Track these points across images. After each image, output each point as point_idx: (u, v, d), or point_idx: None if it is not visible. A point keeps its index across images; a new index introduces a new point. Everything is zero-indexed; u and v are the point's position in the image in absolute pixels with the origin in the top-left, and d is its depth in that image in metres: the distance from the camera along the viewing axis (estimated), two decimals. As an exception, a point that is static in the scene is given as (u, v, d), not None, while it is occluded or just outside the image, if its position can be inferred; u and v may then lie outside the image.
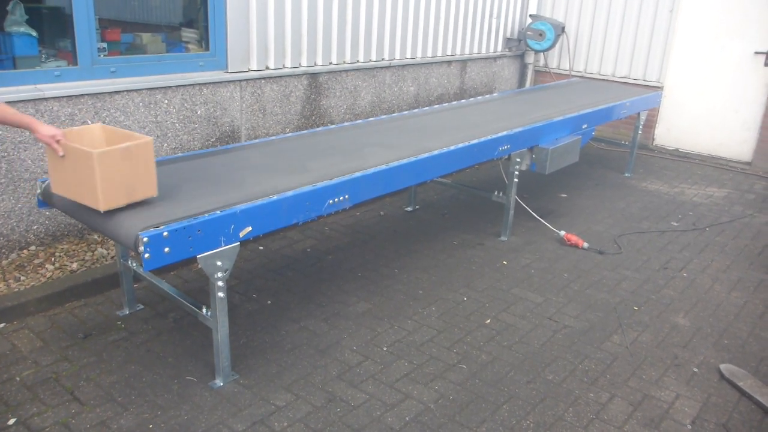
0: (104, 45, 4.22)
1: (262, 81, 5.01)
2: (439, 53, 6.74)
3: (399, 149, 3.80)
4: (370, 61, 5.91)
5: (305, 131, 4.27)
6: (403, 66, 6.31)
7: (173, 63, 4.47)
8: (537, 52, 7.82)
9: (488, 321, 3.64)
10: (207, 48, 4.71)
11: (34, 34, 3.95)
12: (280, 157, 3.58)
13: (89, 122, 4.03)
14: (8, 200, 3.78)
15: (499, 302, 3.85)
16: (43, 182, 3.02)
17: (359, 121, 4.62)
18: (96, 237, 4.20)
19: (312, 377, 3.05)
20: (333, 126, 4.40)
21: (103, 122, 4.09)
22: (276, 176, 3.24)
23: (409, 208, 5.42)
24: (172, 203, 2.80)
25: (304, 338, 3.37)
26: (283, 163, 3.48)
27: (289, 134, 4.14)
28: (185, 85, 4.49)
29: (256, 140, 3.99)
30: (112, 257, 3.98)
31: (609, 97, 6.04)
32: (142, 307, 3.61)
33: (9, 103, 3.65)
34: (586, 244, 4.69)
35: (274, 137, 4.06)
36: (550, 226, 5.06)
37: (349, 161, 3.50)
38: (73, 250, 3.99)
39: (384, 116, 4.85)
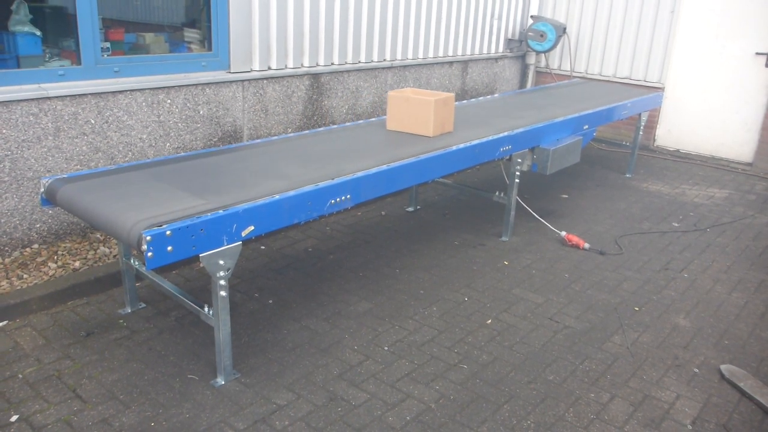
0: (108, 45, 4.24)
1: (265, 81, 5.02)
2: (441, 54, 6.75)
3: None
4: (372, 61, 5.93)
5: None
6: (405, 66, 6.32)
7: (176, 63, 4.48)
8: (538, 53, 7.83)
9: (489, 321, 3.65)
10: (209, 48, 4.73)
11: (38, 33, 3.97)
12: (492, 111, 5.15)
13: (92, 120, 4.04)
14: (11, 198, 3.80)
15: (500, 302, 3.86)
16: (47, 180, 3.04)
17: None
18: (99, 236, 4.21)
19: (313, 376, 3.06)
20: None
21: (106, 122, 4.11)
22: (499, 120, 4.81)
23: (411, 209, 5.43)
24: (462, 133, 4.28)
25: (306, 337, 3.39)
26: (496, 113, 5.05)
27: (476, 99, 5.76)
28: (188, 85, 4.50)
29: (483, 98, 5.73)
30: (115, 256, 3.99)
31: (610, 98, 6.05)
32: (144, 305, 3.63)
33: (13, 102, 3.67)
34: (587, 245, 4.70)
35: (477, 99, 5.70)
36: (551, 227, 5.06)
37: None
38: (76, 249, 4.01)
39: (385, 116, 4.85)
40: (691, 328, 3.68)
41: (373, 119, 4.73)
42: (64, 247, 4.01)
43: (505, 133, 4.34)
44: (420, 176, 3.70)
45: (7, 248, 3.84)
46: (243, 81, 4.87)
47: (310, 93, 5.42)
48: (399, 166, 3.51)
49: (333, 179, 3.19)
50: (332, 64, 5.55)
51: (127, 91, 4.17)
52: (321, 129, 4.34)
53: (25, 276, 3.64)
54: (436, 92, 4.28)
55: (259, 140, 3.99)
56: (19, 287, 3.53)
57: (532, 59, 8.11)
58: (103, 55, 4.10)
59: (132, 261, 3.40)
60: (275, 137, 4.09)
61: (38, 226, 3.96)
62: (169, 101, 4.43)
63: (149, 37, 4.57)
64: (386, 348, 3.32)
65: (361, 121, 4.62)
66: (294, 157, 3.60)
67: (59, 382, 2.93)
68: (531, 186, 6.20)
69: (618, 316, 3.78)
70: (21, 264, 3.76)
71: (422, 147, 3.90)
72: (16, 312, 3.41)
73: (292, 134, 4.19)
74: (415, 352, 3.30)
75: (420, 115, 4.12)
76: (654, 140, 7.70)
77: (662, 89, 7.39)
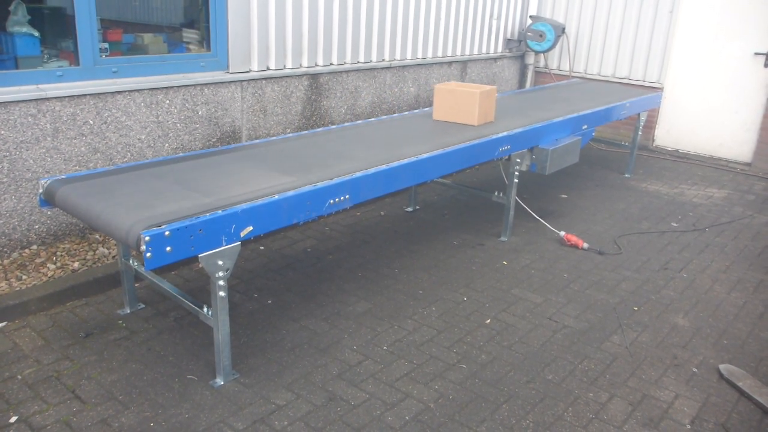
0: (106, 45, 4.24)
1: (263, 81, 5.02)
2: (440, 54, 6.76)
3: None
4: (371, 61, 5.93)
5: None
6: (404, 67, 6.32)
7: (174, 63, 4.49)
8: (537, 53, 7.84)
9: (488, 321, 3.65)
10: (208, 48, 4.73)
11: (37, 34, 3.97)
12: (523, 104, 5.57)
13: (90, 121, 4.04)
14: (10, 200, 3.80)
15: (499, 302, 3.86)
16: (46, 181, 3.04)
17: (360, 121, 4.64)
18: (97, 236, 4.21)
19: (312, 376, 3.06)
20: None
21: (105, 123, 4.11)
22: (533, 111, 5.18)
23: (410, 209, 5.44)
24: (501, 124, 4.64)
25: (305, 337, 3.39)
26: (529, 105, 5.51)
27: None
28: (186, 86, 4.50)
29: (508, 92, 6.13)
30: (114, 256, 3.99)
31: (609, 98, 6.05)
32: (143, 306, 3.63)
33: (12, 102, 3.67)
34: (586, 245, 4.70)
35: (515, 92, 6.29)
36: (550, 227, 5.07)
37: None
38: (75, 250, 4.01)
39: (385, 116, 4.86)
40: (689, 327, 3.68)
41: (422, 110, 5.20)
42: (63, 248, 4.01)
43: (504, 133, 4.34)
44: (418, 176, 3.70)
45: (5, 249, 3.84)
46: (242, 81, 4.87)
47: (309, 93, 5.42)
48: (397, 166, 3.51)
49: (332, 179, 3.19)
50: (331, 64, 5.55)
51: (125, 91, 4.17)
52: (374, 119, 4.76)
53: (24, 277, 3.64)
54: (479, 85, 4.67)
55: (321, 128, 4.40)
56: (18, 288, 3.53)
57: (531, 59, 8.11)
58: (101, 56, 4.10)
59: (131, 261, 3.40)
60: (336, 126, 4.53)
61: (37, 227, 3.95)
62: (167, 102, 4.43)
63: (148, 37, 4.57)
64: (385, 348, 3.33)
65: (415, 111, 5.13)
66: (358, 143, 3.96)
67: (58, 382, 2.93)
68: (530, 186, 6.20)
69: (617, 315, 3.78)
70: (20, 265, 3.76)
71: (470, 134, 4.27)
72: (15, 313, 3.41)
73: (349, 123, 4.61)
74: (414, 351, 3.30)
75: (465, 106, 4.53)
76: (653, 140, 7.70)
77: (661, 89, 7.40)
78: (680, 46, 7.25)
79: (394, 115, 4.98)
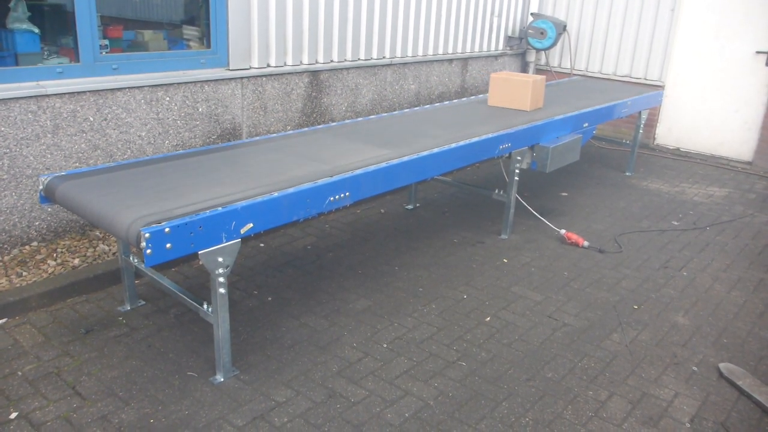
0: (106, 42, 4.24)
1: (264, 78, 5.02)
2: (440, 51, 6.75)
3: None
4: (372, 59, 5.92)
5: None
6: (404, 64, 6.31)
7: (175, 60, 4.48)
8: (538, 50, 7.83)
9: (488, 319, 3.65)
10: (208, 45, 4.72)
11: (37, 31, 3.96)
12: (564, 93, 5.95)
13: (90, 118, 4.04)
14: (10, 196, 3.80)
15: (499, 300, 3.86)
16: (46, 178, 3.04)
17: (360, 119, 4.64)
18: (98, 233, 4.22)
19: (312, 373, 3.06)
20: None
21: (105, 120, 4.11)
22: (575, 101, 5.60)
23: (410, 206, 5.43)
24: (550, 110, 5.08)
25: (305, 335, 3.39)
26: (570, 95, 5.92)
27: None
28: (187, 83, 4.50)
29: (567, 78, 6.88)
30: (114, 253, 3.99)
31: (610, 96, 6.04)
32: (143, 303, 3.63)
33: (12, 99, 3.67)
34: (586, 243, 4.70)
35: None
36: (551, 225, 5.07)
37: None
38: (75, 246, 4.01)
39: (385, 114, 4.86)
40: (690, 326, 3.68)
41: (477, 96, 5.73)
42: (64, 244, 4.01)
43: (505, 131, 4.34)
44: (419, 174, 3.69)
45: (6, 246, 3.84)
46: (242, 78, 4.86)
47: (309, 90, 5.42)
48: (398, 164, 3.51)
49: (332, 176, 3.19)
50: (331, 61, 5.55)
51: (125, 88, 4.17)
52: (438, 104, 5.29)
53: (24, 274, 3.64)
54: (529, 75, 5.20)
55: (387, 114, 4.82)
56: (18, 285, 3.53)
57: (532, 57, 8.10)
58: (101, 53, 4.10)
59: (131, 258, 3.40)
60: (408, 110, 5.03)
61: (37, 223, 3.96)
62: (168, 99, 4.43)
63: (148, 34, 4.57)
64: (385, 345, 3.33)
65: (471, 98, 5.62)
66: (428, 125, 4.42)
67: (58, 379, 2.93)
68: (530, 184, 6.20)
69: (617, 314, 3.78)
70: (20, 262, 3.77)
71: (524, 118, 4.74)
72: (16, 309, 3.41)
73: (419, 108, 5.12)
74: (414, 349, 3.31)
75: (519, 93, 5.03)
76: (654, 138, 7.69)
77: (662, 87, 7.39)
78: (681, 45, 7.24)
79: (454, 101, 5.53)
